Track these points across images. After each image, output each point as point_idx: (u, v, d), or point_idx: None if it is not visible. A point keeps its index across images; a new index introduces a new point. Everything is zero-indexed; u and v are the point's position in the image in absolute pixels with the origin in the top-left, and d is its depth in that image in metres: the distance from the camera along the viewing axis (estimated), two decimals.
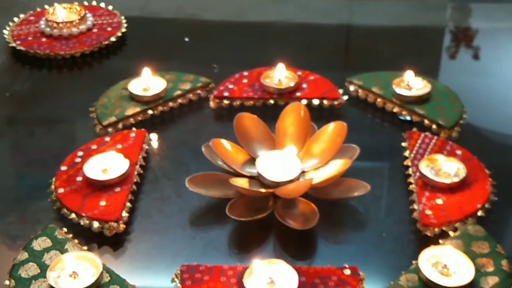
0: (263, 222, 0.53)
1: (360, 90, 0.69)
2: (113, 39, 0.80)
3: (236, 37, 0.84)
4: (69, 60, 0.77)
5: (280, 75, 0.69)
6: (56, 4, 0.83)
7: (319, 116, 0.66)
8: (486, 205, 0.54)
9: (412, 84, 0.67)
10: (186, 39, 0.82)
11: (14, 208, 0.57)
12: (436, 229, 0.52)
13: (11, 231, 0.55)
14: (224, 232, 0.54)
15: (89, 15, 0.83)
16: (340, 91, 0.69)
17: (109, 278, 0.47)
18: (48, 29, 0.80)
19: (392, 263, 0.51)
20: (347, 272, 0.48)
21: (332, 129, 0.58)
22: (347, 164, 0.54)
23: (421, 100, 0.66)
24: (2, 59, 0.78)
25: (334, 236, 0.53)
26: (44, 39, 0.80)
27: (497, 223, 0.54)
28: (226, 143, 0.57)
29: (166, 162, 0.62)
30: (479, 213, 0.53)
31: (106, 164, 0.57)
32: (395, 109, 0.66)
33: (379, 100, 0.68)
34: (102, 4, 0.86)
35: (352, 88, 0.70)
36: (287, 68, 0.70)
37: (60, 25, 0.79)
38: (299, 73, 0.71)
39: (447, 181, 0.55)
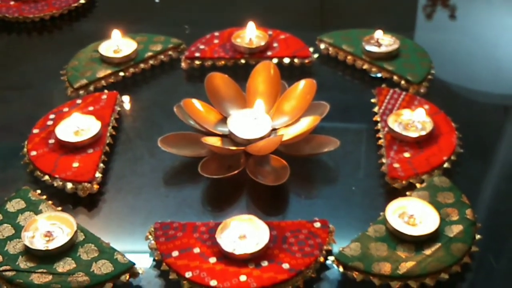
0: (235, 179, 0.54)
1: (330, 48, 0.70)
2: (82, 1, 0.79)
3: None
4: (39, 24, 0.77)
5: (250, 35, 0.69)
6: None
7: (290, 74, 0.67)
8: (452, 157, 0.55)
9: (381, 41, 0.68)
10: (157, 0, 0.81)
11: None
12: (404, 182, 0.53)
13: None
14: (197, 190, 0.54)
15: None
16: (311, 49, 0.69)
17: (83, 237, 0.48)
18: None
19: (361, 216, 0.52)
20: (317, 225, 0.49)
21: (302, 87, 0.59)
22: (316, 120, 0.55)
23: (390, 56, 0.67)
24: None
25: (305, 191, 0.54)
26: (12, 2, 0.79)
27: (462, 174, 0.55)
28: (197, 103, 0.58)
29: (138, 122, 0.63)
30: (445, 165, 0.55)
31: (78, 126, 0.58)
32: (365, 66, 0.67)
33: (349, 57, 0.69)
34: None
35: (322, 46, 0.70)
36: (258, 27, 0.70)
37: None
38: (270, 32, 0.71)
39: (414, 134, 0.56)
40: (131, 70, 0.67)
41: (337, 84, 0.67)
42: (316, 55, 0.68)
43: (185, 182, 0.56)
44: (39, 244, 0.47)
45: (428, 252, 0.46)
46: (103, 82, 0.65)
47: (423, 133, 0.56)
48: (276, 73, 0.60)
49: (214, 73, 0.60)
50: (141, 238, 0.49)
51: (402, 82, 0.64)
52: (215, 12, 0.80)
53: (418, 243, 0.47)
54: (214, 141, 0.55)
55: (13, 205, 0.51)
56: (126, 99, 0.65)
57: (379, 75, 0.66)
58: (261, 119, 0.57)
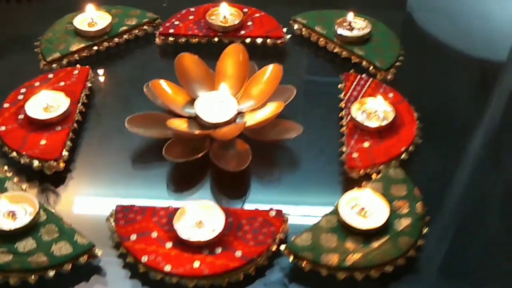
0: (201, 161, 0.55)
1: (304, 29, 0.70)
2: None
3: None
4: None
5: (225, 12, 0.70)
6: None
7: (263, 54, 0.68)
8: (411, 148, 0.57)
9: (353, 24, 0.68)
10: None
11: None
12: (362, 171, 0.55)
13: None
14: (162, 171, 0.56)
15: None
16: (284, 29, 0.70)
17: (45, 216, 0.50)
18: None
19: (318, 204, 0.54)
20: (272, 213, 0.51)
21: (270, 72, 0.60)
22: (280, 106, 0.56)
23: (362, 40, 0.68)
24: None
25: (266, 176, 0.56)
26: None
27: (419, 165, 0.57)
28: (165, 85, 0.59)
29: (110, 99, 0.64)
30: (403, 156, 0.56)
31: (48, 103, 0.59)
32: (336, 50, 0.68)
33: (321, 40, 0.69)
34: None
35: (296, 26, 0.71)
36: (233, 5, 0.71)
37: None
38: (246, 9, 0.72)
39: (375, 124, 0.58)
40: (105, 44, 0.68)
41: (308, 67, 0.68)
42: (288, 36, 0.69)
43: (151, 162, 0.57)
44: (3, 223, 0.48)
45: (375, 245, 0.48)
46: (76, 56, 0.66)
47: (385, 122, 0.58)
48: (245, 57, 0.61)
49: (184, 54, 0.61)
50: (103, 218, 0.51)
51: (371, 67, 0.65)
52: None
53: (366, 235, 0.49)
54: (179, 124, 0.56)
55: None
56: (98, 74, 0.65)
57: None
58: (227, 102, 0.58)
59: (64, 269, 0.47)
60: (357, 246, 0.48)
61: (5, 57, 0.69)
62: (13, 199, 0.50)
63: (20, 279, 0.47)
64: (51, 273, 0.47)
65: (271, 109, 0.57)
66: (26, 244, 0.48)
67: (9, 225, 0.49)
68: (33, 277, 0.47)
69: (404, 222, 0.50)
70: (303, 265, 0.48)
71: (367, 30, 0.68)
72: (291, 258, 0.48)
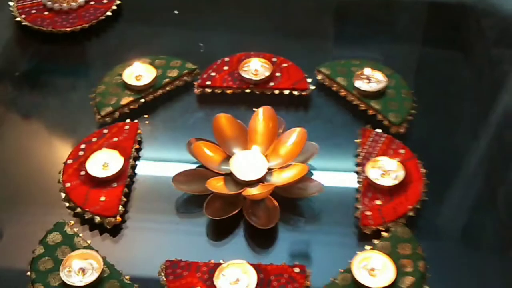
0: (236, 216, 0.65)
1: (327, 80, 0.79)
2: (109, 13, 0.88)
3: (225, 10, 0.91)
4: (70, 36, 0.86)
5: (256, 66, 0.78)
6: None
7: (289, 103, 0.77)
8: (417, 206, 0.66)
9: (371, 76, 0.76)
10: (176, 12, 0.90)
11: (27, 199, 0.69)
12: (373, 228, 0.65)
13: (27, 216, 0.68)
14: (203, 225, 0.66)
15: None
16: (309, 80, 0.78)
17: (108, 271, 0.60)
18: (49, 2, 0.87)
19: (336, 256, 0.63)
20: (297, 270, 0.61)
21: (296, 135, 0.69)
22: (305, 170, 0.66)
23: (378, 94, 0.76)
24: (9, 33, 0.87)
25: (290, 231, 0.66)
26: (46, 13, 0.87)
27: (424, 222, 0.66)
28: (204, 147, 0.68)
29: (155, 150, 0.74)
30: (410, 213, 0.66)
31: (105, 160, 0.69)
32: (355, 102, 0.76)
33: (342, 91, 0.78)
34: None
35: (320, 77, 0.79)
36: (264, 55, 0.79)
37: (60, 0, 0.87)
38: (274, 59, 0.80)
39: (388, 183, 0.67)
40: (151, 96, 0.77)
41: (330, 118, 0.76)
42: (312, 87, 0.77)
43: (194, 214, 0.67)
44: (75, 279, 0.59)
45: None
46: (126, 109, 0.76)
47: (396, 182, 0.67)
48: (274, 120, 0.70)
49: (220, 115, 0.70)
50: (155, 270, 0.61)
51: (385, 122, 0.74)
52: (229, 25, 0.88)
53: None
54: (216, 184, 0.66)
55: (52, 238, 0.63)
56: (145, 125, 0.75)
57: None
58: (258, 160, 0.68)
59: None
60: None
61: (63, 110, 0.78)
62: (82, 257, 0.61)
63: None
64: None
65: (296, 171, 0.66)
66: None
67: (81, 281, 0.59)
68: None
69: (407, 281, 0.60)
70: None
71: (383, 84, 0.76)
72: None
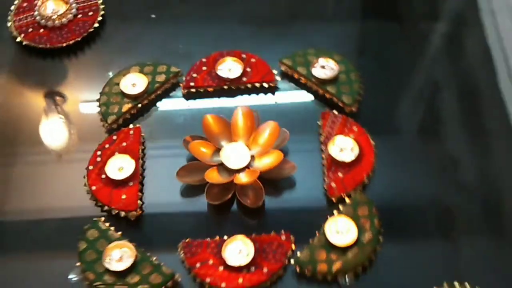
0: (230, 199, 0.83)
1: (289, 70, 0.96)
2: (96, 25, 1.02)
3: (198, 11, 1.06)
4: (65, 50, 1.00)
5: (229, 64, 0.95)
6: None
7: (259, 94, 0.93)
8: (370, 173, 0.85)
9: (325, 65, 0.93)
10: (153, 16, 1.04)
11: (61, 200, 0.86)
12: (338, 196, 0.83)
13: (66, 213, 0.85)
14: (204, 208, 0.84)
15: (72, 0, 1.03)
16: (275, 71, 0.95)
17: (140, 256, 0.79)
18: (42, 20, 1.01)
19: (312, 223, 0.82)
20: (283, 237, 0.80)
21: (270, 129, 0.86)
22: (280, 156, 0.83)
23: (332, 79, 0.93)
24: (11, 52, 1.01)
25: (275, 205, 0.84)
26: (41, 30, 1.01)
27: (377, 186, 0.85)
28: (198, 145, 0.85)
29: (158, 148, 0.91)
30: (365, 181, 0.85)
31: (120, 164, 0.86)
32: (314, 88, 0.94)
33: (302, 79, 0.95)
34: None
35: (283, 68, 0.96)
36: (235, 53, 0.95)
37: (53, 17, 1.01)
38: (244, 55, 0.96)
39: (347, 159, 0.85)
40: (146, 101, 0.93)
41: (295, 104, 0.94)
42: (278, 78, 0.94)
43: (197, 200, 0.85)
44: (117, 266, 0.78)
45: (350, 254, 0.78)
46: (127, 115, 0.92)
47: (352, 157, 0.85)
48: (249, 114, 0.87)
49: (207, 116, 0.87)
50: (174, 249, 0.80)
51: (340, 104, 0.92)
52: (205, 26, 1.03)
53: (344, 249, 0.78)
54: (212, 174, 0.84)
55: (91, 234, 0.81)
56: (145, 127, 0.91)
57: None
58: (243, 151, 0.85)
59: None
60: (338, 257, 0.78)
61: (74, 116, 0.94)
62: (118, 246, 0.79)
63: None
64: None
65: (274, 157, 0.84)
66: (134, 278, 0.77)
67: (121, 266, 0.78)
68: None
69: (367, 236, 0.79)
70: (306, 273, 0.78)
71: (335, 71, 0.93)
72: (298, 269, 0.78)
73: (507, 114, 0.90)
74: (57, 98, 0.94)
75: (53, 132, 0.92)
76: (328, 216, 0.80)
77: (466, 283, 0.75)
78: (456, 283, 0.75)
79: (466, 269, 0.78)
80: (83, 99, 0.95)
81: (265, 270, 0.77)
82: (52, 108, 0.94)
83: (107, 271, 0.77)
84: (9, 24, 1.01)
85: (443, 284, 0.75)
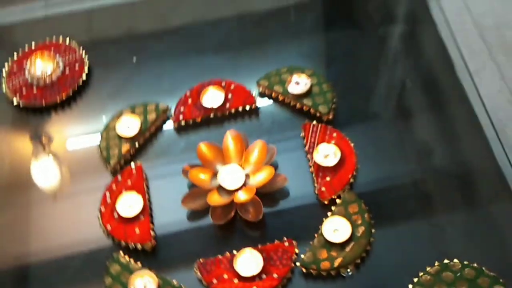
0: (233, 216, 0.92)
1: (266, 90, 1.05)
2: (84, 77, 1.11)
3: (175, 47, 1.15)
4: (60, 104, 1.09)
5: (212, 94, 1.04)
6: (29, 60, 1.10)
7: (243, 118, 1.02)
8: (354, 173, 0.94)
9: (299, 81, 1.03)
10: (134, 61, 1.13)
11: (80, 239, 0.95)
12: (329, 198, 0.93)
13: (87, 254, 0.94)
14: (211, 228, 0.93)
15: (58, 58, 1.12)
16: (253, 92, 1.04)
17: (162, 282, 0.88)
18: (34, 81, 1.10)
19: (310, 228, 0.91)
20: (286, 244, 0.89)
21: (258, 148, 0.95)
22: (272, 172, 0.92)
23: (307, 93, 1.02)
24: (9, 114, 1.09)
25: (273, 215, 0.93)
26: (35, 90, 1.09)
27: (362, 184, 0.94)
28: (196, 172, 0.94)
29: (162, 181, 0.99)
30: (351, 181, 0.94)
31: (128, 202, 0.94)
32: (292, 103, 1.03)
33: (280, 96, 1.04)
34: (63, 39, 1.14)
35: (260, 88, 1.05)
36: (215, 82, 1.04)
37: (43, 76, 1.09)
38: (223, 83, 1.05)
39: (331, 163, 0.94)
40: (141, 139, 1.02)
41: (277, 120, 1.02)
42: (258, 99, 1.03)
43: (203, 221, 0.94)
44: None
45: (348, 249, 0.87)
46: (127, 156, 1.01)
47: (335, 161, 0.94)
48: (238, 137, 0.96)
49: (200, 144, 0.95)
50: (190, 269, 0.89)
51: (318, 114, 1.01)
52: (182, 65, 1.12)
53: (342, 245, 0.87)
54: (213, 197, 0.92)
55: (114, 268, 0.89)
56: (146, 164, 1.00)
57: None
58: (237, 171, 0.94)
59: None
60: (338, 253, 0.87)
61: (79, 162, 1.02)
62: (140, 275, 0.87)
63: None
64: None
65: (266, 173, 0.92)
66: None
67: None
68: None
69: (360, 230, 0.88)
70: (311, 272, 0.87)
71: (308, 85, 1.02)
72: (304, 270, 0.87)
73: (467, 100, 0.99)
74: (44, 138, 1.01)
75: (50, 173, 1.00)
76: (324, 218, 0.88)
77: (455, 260, 0.84)
78: (446, 260, 0.84)
79: (452, 246, 0.87)
80: (84, 144, 1.03)
81: (275, 275, 0.86)
82: (41, 150, 1.01)
83: None
84: (4, 89, 1.09)
85: (434, 264, 0.84)
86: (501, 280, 0.81)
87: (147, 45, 1.15)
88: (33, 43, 1.13)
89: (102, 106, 1.06)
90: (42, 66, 1.09)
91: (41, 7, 1.27)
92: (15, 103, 1.08)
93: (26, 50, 1.13)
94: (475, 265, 0.82)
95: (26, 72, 1.09)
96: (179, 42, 1.14)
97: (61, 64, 1.10)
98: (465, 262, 0.82)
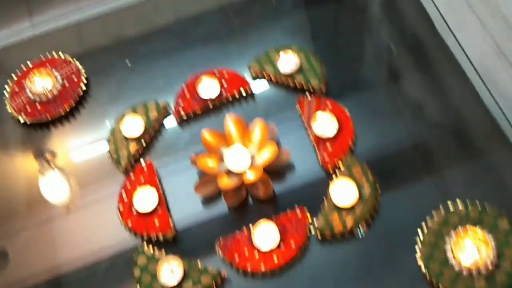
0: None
1: (258, 73, 1.09)
2: (83, 87, 1.15)
3: (162, 45, 1.19)
4: (65, 116, 1.13)
5: (207, 84, 1.08)
6: (28, 79, 1.14)
7: (241, 102, 1.07)
8: (353, 137, 0.99)
9: (288, 59, 1.07)
10: (129, 65, 1.17)
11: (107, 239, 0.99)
12: (333, 164, 0.97)
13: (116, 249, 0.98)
14: (226, 209, 0.98)
15: (55, 72, 1.16)
16: (247, 77, 1.09)
17: (187, 265, 0.92)
18: (36, 97, 1.14)
19: (318, 193, 0.96)
20: (299, 212, 0.94)
21: (258, 127, 0.99)
22: (276, 150, 0.97)
23: (297, 69, 1.07)
24: (17, 132, 1.14)
25: (281, 186, 0.98)
26: (38, 106, 1.14)
27: (362, 147, 0.99)
28: (204, 160, 0.99)
29: (172, 173, 1.04)
30: (351, 146, 0.98)
31: (144, 196, 0.99)
32: (284, 81, 1.07)
33: (272, 76, 1.08)
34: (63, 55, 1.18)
35: (252, 72, 1.10)
36: (207, 73, 1.09)
37: (44, 92, 1.14)
38: (216, 72, 1.10)
39: (330, 133, 0.99)
40: (147, 137, 1.06)
41: (273, 99, 1.07)
42: (252, 82, 1.08)
43: (217, 204, 0.98)
44: (170, 280, 0.91)
45: (357, 210, 0.92)
46: (136, 154, 1.05)
47: (334, 130, 0.99)
48: (238, 120, 1.00)
49: (202, 131, 1.00)
50: (212, 249, 0.93)
51: (310, 88, 1.05)
52: (173, 60, 1.16)
53: (351, 207, 0.92)
54: (224, 181, 0.97)
55: (141, 260, 0.94)
56: (156, 159, 1.05)
57: None
58: (242, 152, 0.99)
59: None
60: (348, 214, 0.92)
61: (92, 166, 1.07)
62: (167, 261, 0.92)
63: None
64: None
65: (270, 151, 0.97)
66: (188, 284, 0.91)
67: (175, 279, 0.91)
68: None
69: (367, 190, 0.93)
70: (326, 237, 0.92)
71: (297, 61, 1.06)
72: (319, 236, 0.92)
73: (451, 55, 1.04)
74: (48, 155, 1.06)
75: (65, 184, 1.05)
76: (330, 184, 0.93)
77: (458, 200, 0.89)
78: (449, 203, 0.89)
79: (454, 189, 0.92)
80: (94, 151, 1.08)
81: (292, 244, 0.90)
82: (52, 164, 1.06)
83: (165, 287, 0.90)
84: (9, 110, 1.13)
85: (439, 207, 0.88)
86: (503, 214, 0.86)
87: (137, 47, 1.19)
88: (28, 62, 1.16)
89: (104, 111, 1.11)
90: (42, 83, 1.14)
91: (27, 27, 1.31)
92: (22, 121, 1.11)
93: (24, 69, 1.16)
94: (477, 203, 0.87)
95: (28, 90, 1.13)
96: (167, 40, 1.18)
97: (59, 78, 1.14)
98: (468, 202, 0.87)
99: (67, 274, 0.97)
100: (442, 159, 0.95)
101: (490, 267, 0.81)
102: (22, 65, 1.17)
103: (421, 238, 0.85)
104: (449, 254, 0.83)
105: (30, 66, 1.17)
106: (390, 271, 0.86)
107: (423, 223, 0.87)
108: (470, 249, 0.82)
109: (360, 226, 0.90)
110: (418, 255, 0.85)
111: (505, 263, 0.81)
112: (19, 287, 0.96)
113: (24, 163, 1.11)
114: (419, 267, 0.85)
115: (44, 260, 0.98)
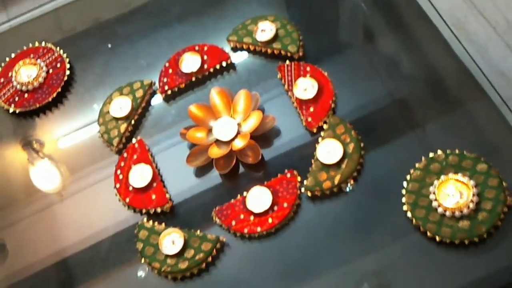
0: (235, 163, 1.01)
1: (237, 44, 1.13)
2: (67, 72, 1.18)
3: (140, 26, 1.22)
4: (52, 102, 1.16)
5: (188, 59, 1.11)
6: (13, 70, 1.16)
7: (223, 74, 1.11)
8: (334, 98, 1.03)
9: (265, 28, 1.11)
10: (109, 46, 1.21)
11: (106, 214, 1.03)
12: (317, 126, 1.02)
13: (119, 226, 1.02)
14: (218, 178, 1.02)
15: (39, 61, 1.19)
16: (226, 49, 1.12)
17: (186, 235, 0.97)
18: (23, 87, 1.17)
19: (305, 154, 1.00)
20: (288, 175, 0.98)
21: (243, 96, 1.03)
22: (260, 116, 1.01)
23: (274, 37, 1.10)
24: (10, 124, 1.17)
25: (270, 150, 1.02)
26: (26, 95, 1.17)
27: (343, 107, 1.03)
28: (192, 133, 1.03)
29: (164, 148, 1.08)
30: (332, 106, 1.03)
31: (139, 173, 1.03)
32: (263, 50, 1.11)
33: (251, 46, 1.12)
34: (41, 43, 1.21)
35: (231, 44, 1.13)
36: (189, 49, 1.12)
37: (30, 81, 1.16)
38: (196, 47, 1.13)
39: (310, 96, 1.03)
40: (136, 116, 1.10)
41: (253, 69, 1.11)
42: (232, 54, 1.12)
43: (210, 173, 1.02)
44: (172, 249, 0.95)
45: (343, 166, 0.96)
46: (127, 133, 1.09)
47: (314, 92, 1.03)
48: (222, 92, 1.04)
49: (190, 107, 1.04)
50: (209, 217, 0.98)
51: (288, 54, 1.09)
52: (153, 40, 1.19)
53: (337, 164, 0.97)
54: (213, 151, 1.01)
55: (143, 234, 0.98)
56: (147, 137, 1.08)
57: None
58: (229, 122, 1.03)
59: (212, 254, 0.95)
60: (336, 171, 0.96)
61: (86, 149, 1.11)
62: (168, 233, 0.97)
63: (191, 272, 0.94)
64: (209, 258, 0.95)
65: (256, 118, 1.01)
66: (189, 253, 0.95)
67: (176, 248, 0.95)
68: (203, 265, 0.95)
69: (351, 147, 0.98)
70: (316, 194, 0.96)
71: (273, 30, 1.10)
72: (309, 194, 0.97)
73: (421, 10, 1.08)
74: (35, 144, 1.09)
75: (61, 169, 1.09)
76: (316, 145, 0.97)
77: (439, 151, 0.93)
78: (431, 154, 0.93)
79: (434, 141, 0.96)
80: (85, 135, 1.11)
81: (285, 205, 0.95)
82: (34, 154, 1.09)
83: (167, 256, 0.95)
84: None
85: (421, 159, 0.93)
86: (482, 159, 0.91)
87: (116, 30, 1.22)
88: (12, 54, 1.19)
89: (91, 95, 1.14)
90: (27, 72, 1.16)
91: (4, 21, 1.33)
92: (11, 111, 1.14)
93: (7, 61, 1.19)
94: (457, 151, 0.92)
95: (14, 81, 1.16)
96: (145, 20, 1.21)
97: (43, 66, 1.17)
98: (448, 151, 0.92)
99: (73, 254, 1.01)
100: (421, 113, 1.00)
101: (471, 207, 0.86)
102: (6, 57, 1.18)
103: (406, 187, 0.90)
104: (433, 198, 0.88)
105: (13, 57, 1.19)
106: (378, 221, 0.91)
107: (408, 176, 0.91)
108: (452, 193, 0.87)
109: (348, 182, 0.94)
110: (404, 202, 0.90)
111: (486, 203, 0.86)
112: (23, 276, 0.99)
113: (17, 153, 1.13)
114: (406, 214, 0.89)
115: (46, 247, 1.02)
